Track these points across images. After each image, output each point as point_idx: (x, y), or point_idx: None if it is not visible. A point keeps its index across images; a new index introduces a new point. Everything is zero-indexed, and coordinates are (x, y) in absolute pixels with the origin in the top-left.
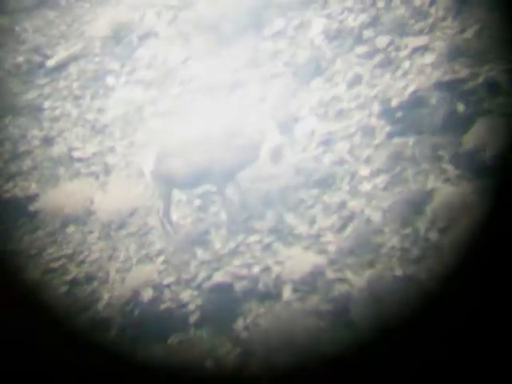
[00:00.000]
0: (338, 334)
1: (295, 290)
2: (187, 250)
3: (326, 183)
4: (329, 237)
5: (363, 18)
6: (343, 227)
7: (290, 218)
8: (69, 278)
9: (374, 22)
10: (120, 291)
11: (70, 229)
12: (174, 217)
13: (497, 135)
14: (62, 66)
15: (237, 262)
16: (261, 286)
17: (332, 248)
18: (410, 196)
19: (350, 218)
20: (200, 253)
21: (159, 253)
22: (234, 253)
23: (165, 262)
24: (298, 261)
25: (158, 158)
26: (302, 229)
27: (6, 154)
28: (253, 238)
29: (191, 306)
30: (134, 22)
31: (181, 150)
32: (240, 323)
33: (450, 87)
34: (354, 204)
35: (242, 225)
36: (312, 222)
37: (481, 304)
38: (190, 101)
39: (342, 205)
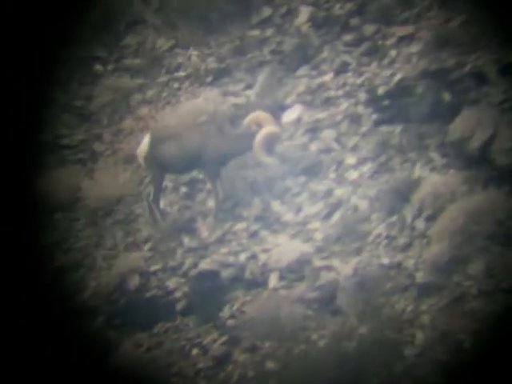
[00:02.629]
0: (325, 321)
1: (282, 278)
2: (174, 237)
3: (312, 171)
4: (315, 225)
5: (350, 6)
6: (330, 215)
7: (277, 206)
8: (56, 265)
9: (360, 10)
10: (106, 279)
11: (58, 216)
12: (161, 204)
13: (483, 124)
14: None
15: (223, 249)
16: (247, 274)
17: (318, 236)
18: (396, 184)
19: (337, 205)
20: (187, 240)
21: (146, 240)
22: (221, 240)
23: (151, 249)
24: (285, 248)
25: (151, 142)
26: (289, 216)
27: None
28: (239, 226)
29: (178, 294)
30: (122, 10)
31: (174, 136)
32: (226, 311)
33: (436, 76)
34: (341, 192)
35: (229, 212)
36: (298, 209)
37: (467, 291)
38: (177, 88)
39: (329, 193)
